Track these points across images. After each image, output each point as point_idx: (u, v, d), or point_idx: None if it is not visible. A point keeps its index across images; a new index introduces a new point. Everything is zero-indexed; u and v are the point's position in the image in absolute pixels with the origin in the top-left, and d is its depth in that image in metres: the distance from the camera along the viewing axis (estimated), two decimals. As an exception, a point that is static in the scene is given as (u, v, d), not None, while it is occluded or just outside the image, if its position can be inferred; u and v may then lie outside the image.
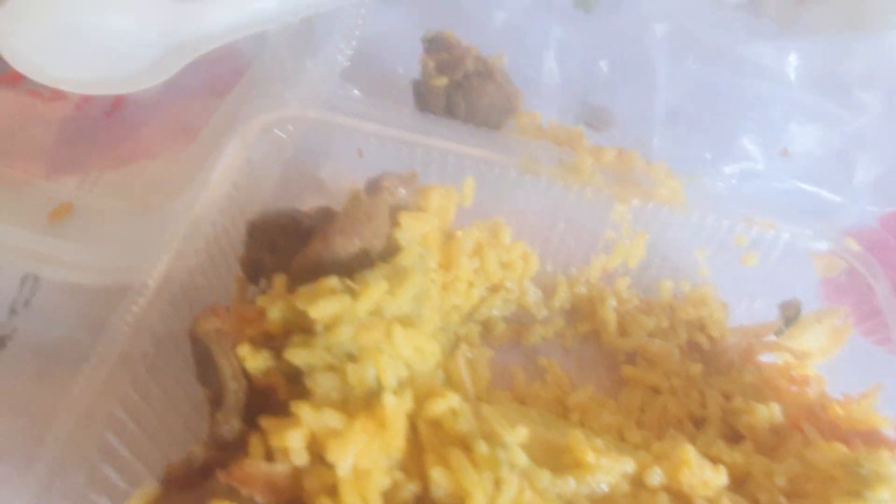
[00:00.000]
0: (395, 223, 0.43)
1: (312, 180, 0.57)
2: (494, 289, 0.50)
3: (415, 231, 0.43)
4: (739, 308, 0.52)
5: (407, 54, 0.64)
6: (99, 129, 0.59)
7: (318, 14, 0.64)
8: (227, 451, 0.34)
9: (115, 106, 0.61)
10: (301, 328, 0.37)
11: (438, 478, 0.33)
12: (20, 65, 0.56)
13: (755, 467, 0.38)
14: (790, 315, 0.50)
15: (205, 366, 0.37)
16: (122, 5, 0.62)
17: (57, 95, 0.60)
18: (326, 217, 0.44)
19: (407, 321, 0.38)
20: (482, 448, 0.35)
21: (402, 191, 0.46)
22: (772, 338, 0.50)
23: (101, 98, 0.61)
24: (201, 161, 0.55)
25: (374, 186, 0.45)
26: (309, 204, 0.50)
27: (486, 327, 0.51)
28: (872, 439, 0.39)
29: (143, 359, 0.38)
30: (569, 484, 0.34)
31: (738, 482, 0.38)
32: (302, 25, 0.63)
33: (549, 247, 0.52)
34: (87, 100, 0.60)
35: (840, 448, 0.37)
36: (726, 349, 0.50)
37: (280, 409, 0.35)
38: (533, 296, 0.51)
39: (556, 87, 0.68)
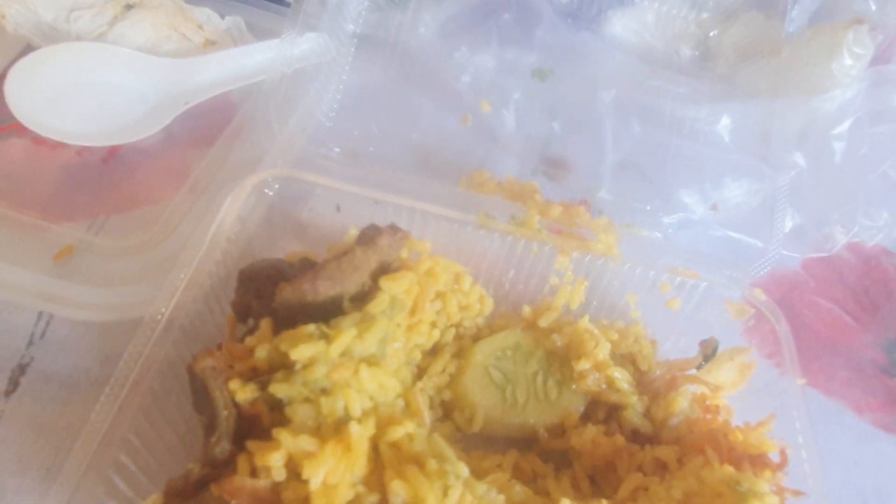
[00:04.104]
0: (375, 277, 0.50)
1: (294, 224, 0.64)
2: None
3: (393, 290, 0.50)
4: (667, 344, 0.60)
5: (384, 108, 0.72)
6: (97, 176, 0.65)
7: (305, 66, 0.71)
8: (219, 469, 0.42)
9: (111, 153, 0.67)
10: (283, 365, 0.44)
11: (397, 488, 0.41)
12: (25, 118, 0.63)
13: (657, 482, 0.46)
14: (708, 352, 0.58)
15: (201, 396, 0.44)
16: (123, 64, 0.69)
17: (59, 143, 0.66)
18: (306, 267, 0.51)
19: (372, 360, 0.45)
20: (433, 464, 0.42)
21: (392, 246, 0.53)
22: (692, 371, 0.58)
23: (99, 146, 0.67)
24: (190, 205, 0.62)
25: (369, 241, 0.51)
26: (291, 246, 0.58)
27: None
28: (759, 462, 0.47)
29: (148, 389, 0.45)
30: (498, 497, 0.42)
31: (644, 489, 0.46)
32: (288, 79, 0.70)
33: (501, 290, 0.60)
34: (86, 147, 0.66)
35: (728, 469, 0.45)
36: (654, 380, 0.58)
37: (264, 434, 0.43)
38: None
39: (518, 141, 0.76)
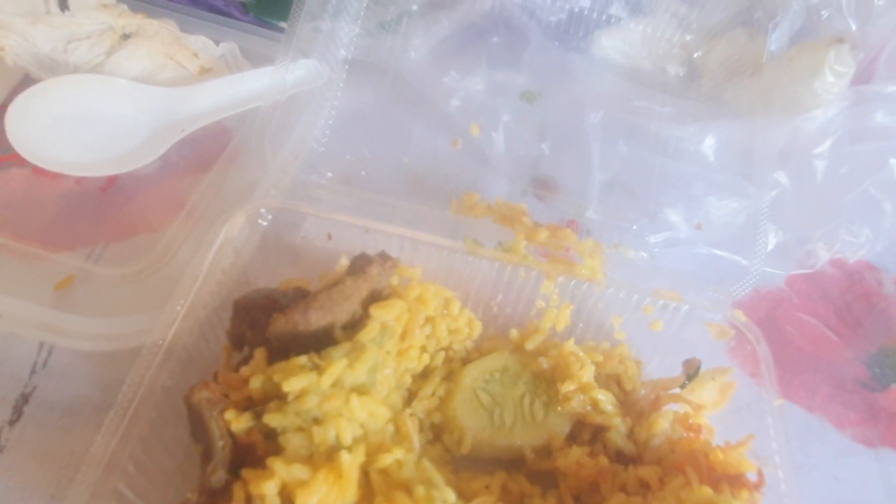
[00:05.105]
0: (365, 305, 0.52)
1: (288, 251, 0.66)
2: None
3: (383, 318, 0.51)
4: (651, 364, 0.62)
5: (375, 132, 0.74)
6: (96, 204, 0.67)
7: (298, 92, 0.73)
8: (216, 497, 0.43)
9: (110, 182, 0.69)
10: (276, 395, 0.46)
11: (386, 516, 0.42)
12: (25, 150, 0.64)
13: (639, 502, 0.48)
14: (691, 372, 0.59)
15: (197, 426, 0.46)
16: (120, 94, 0.71)
17: (59, 173, 0.67)
18: (299, 297, 0.53)
19: (363, 389, 0.47)
20: (420, 490, 0.44)
21: (382, 275, 0.54)
22: (676, 391, 0.60)
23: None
24: (188, 232, 0.64)
25: (359, 270, 0.53)
26: (285, 273, 0.60)
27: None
28: (737, 482, 0.49)
29: (147, 418, 0.47)
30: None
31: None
32: (281, 105, 0.71)
33: (489, 314, 0.61)
34: (85, 176, 0.68)
35: (706, 491, 0.47)
36: (638, 399, 0.60)
37: (258, 462, 0.44)
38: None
39: (507, 163, 0.78)
